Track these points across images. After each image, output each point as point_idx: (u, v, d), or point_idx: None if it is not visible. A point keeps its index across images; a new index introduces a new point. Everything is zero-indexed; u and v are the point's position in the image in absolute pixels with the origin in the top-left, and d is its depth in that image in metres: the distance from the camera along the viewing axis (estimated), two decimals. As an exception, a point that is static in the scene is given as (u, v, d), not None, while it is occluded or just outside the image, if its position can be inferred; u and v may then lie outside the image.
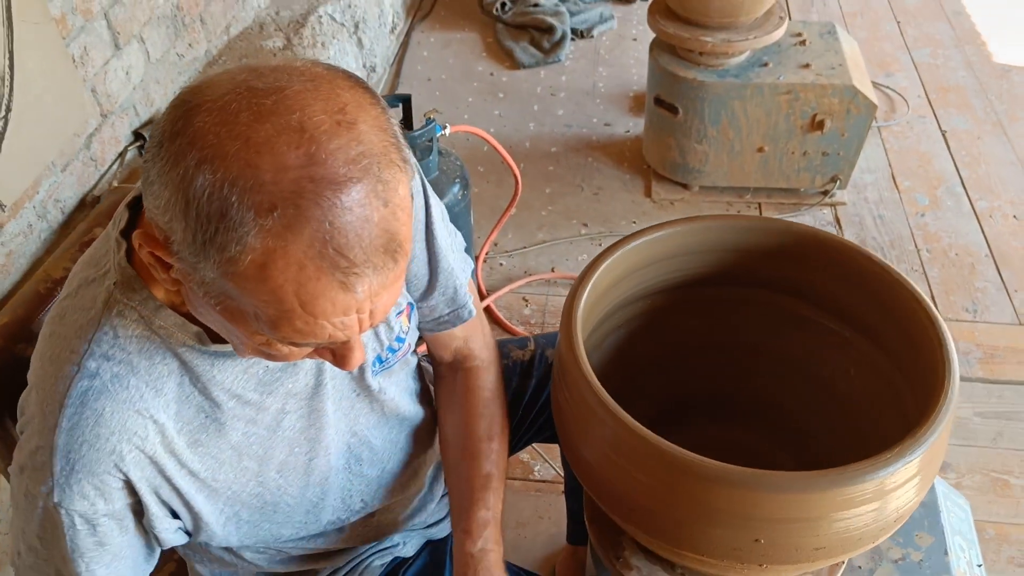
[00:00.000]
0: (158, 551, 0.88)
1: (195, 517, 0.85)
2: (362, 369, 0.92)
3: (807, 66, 2.36)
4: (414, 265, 0.95)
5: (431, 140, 1.92)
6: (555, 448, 1.83)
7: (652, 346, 1.26)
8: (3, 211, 1.50)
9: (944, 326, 0.99)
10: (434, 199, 0.95)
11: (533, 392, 1.25)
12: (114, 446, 0.75)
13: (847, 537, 0.90)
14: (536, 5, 3.46)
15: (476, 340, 1.08)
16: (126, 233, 0.76)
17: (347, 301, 0.64)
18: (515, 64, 3.26)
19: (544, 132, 2.91)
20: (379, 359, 0.95)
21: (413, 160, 0.84)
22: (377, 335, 0.93)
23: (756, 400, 1.28)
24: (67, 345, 0.76)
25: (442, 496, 1.15)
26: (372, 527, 1.06)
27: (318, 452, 0.91)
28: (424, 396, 1.09)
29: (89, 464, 0.74)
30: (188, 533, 0.88)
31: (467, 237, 2.07)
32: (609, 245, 1.11)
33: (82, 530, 0.78)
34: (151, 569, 0.89)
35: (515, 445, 1.28)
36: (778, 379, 1.26)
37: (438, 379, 1.10)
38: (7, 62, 1.51)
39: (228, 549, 0.97)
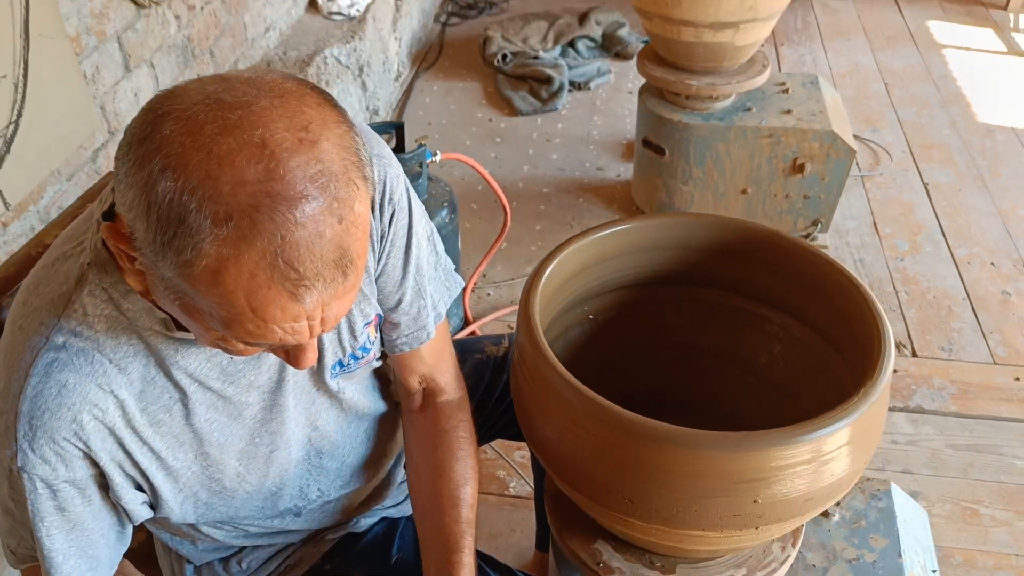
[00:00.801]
0: (129, 529, 0.91)
1: (155, 493, 0.88)
2: (321, 370, 0.94)
3: (789, 112, 2.45)
4: (386, 280, 0.96)
5: (421, 164, 2.00)
6: (529, 463, 1.86)
7: (601, 344, 1.31)
8: (7, 210, 1.58)
9: (878, 305, 1.05)
10: (420, 219, 0.97)
11: (504, 387, 1.29)
12: (75, 415, 0.78)
13: (782, 502, 0.94)
14: (536, 58, 3.59)
15: (445, 373, 1.08)
16: (107, 216, 0.78)
17: (296, 310, 0.66)
18: (514, 111, 3.38)
19: (537, 174, 3.00)
20: (340, 363, 0.96)
21: (384, 175, 0.89)
22: (340, 341, 0.94)
23: (696, 393, 1.33)
24: (37, 317, 0.79)
25: (401, 481, 1.18)
26: (329, 512, 1.10)
27: (279, 444, 0.94)
28: (385, 391, 1.09)
29: (50, 431, 0.77)
30: (152, 507, 0.91)
31: (454, 261, 2.14)
32: (567, 239, 1.18)
33: (43, 494, 0.80)
34: (123, 548, 0.92)
35: (482, 438, 1.32)
36: (717, 372, 1.31)
37: (407, 412, 1.09)
38: (21, 70, 1.61)
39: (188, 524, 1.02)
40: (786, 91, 2.56)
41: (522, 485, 1.91)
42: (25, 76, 1.62)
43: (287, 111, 0.65)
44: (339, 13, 3.04)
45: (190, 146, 0.62)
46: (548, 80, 3.45)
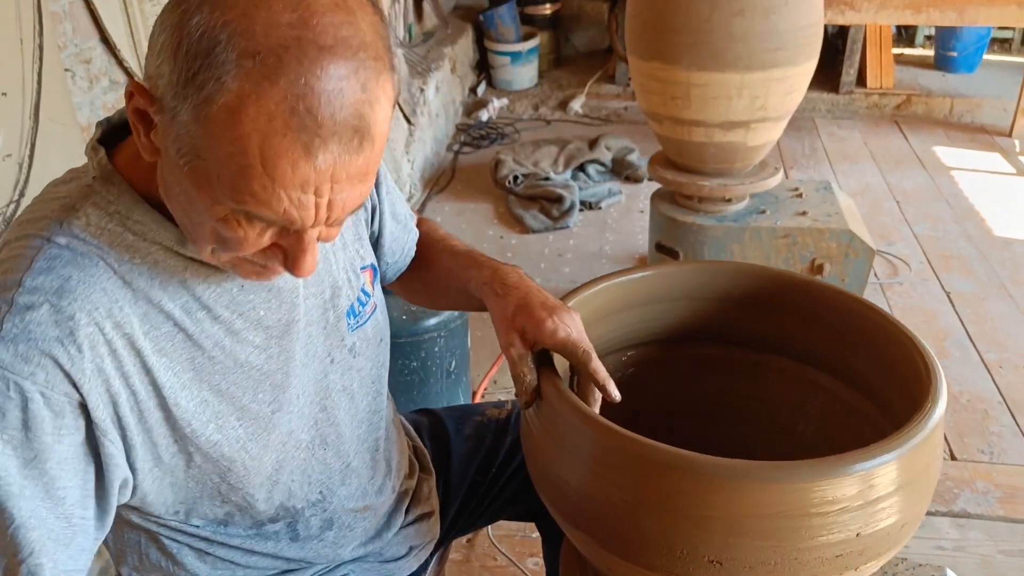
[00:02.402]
0: (107, 520, 0.79)
1: (145, 448, 0.78)
2: (338, 317, 0.92)
3: (804, 213, 2.42)
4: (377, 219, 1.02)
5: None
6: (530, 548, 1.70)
7: (617, 407, 1.21)
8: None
9: (923, 343, 0.96)
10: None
11: (508, 450, 1.20)
12: (74, 312, 0.72)
13: (882, 531, 0.82)
14: (547, 179, 3.63)
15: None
16: (101, 142, 0.78)
17: (307, 171, 0.65)
18: (525, 229, 3.38)
19: (550, 287, 2.96)
20: (352, 311, 0.94)
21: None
22: (349, 281, 0.94)
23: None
24: (37, 225, 0.75)
25: (400, 528, 1.07)
26: (328, 542, 0.99)
27: (282, 405, 0.87)
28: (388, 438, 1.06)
29: (42, 326, 0.70)
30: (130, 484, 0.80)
31: (463, 359, 2.06)
32: (585, 283, 1.11)
33: (14, 398, 0.69)
34: (96, 540, 0.78)
35: (486, 511, 1.21)
36: (748, 435, 1.20)
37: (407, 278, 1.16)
38: (27, 151, 1.60)
39: (167, 554, 0.90)
40: (800, 195, 2.54)
41: (533, 591, 1.75)
42: (31, 157, 1.60)
43: None
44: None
45: None
46: (559, 199, 3.46)
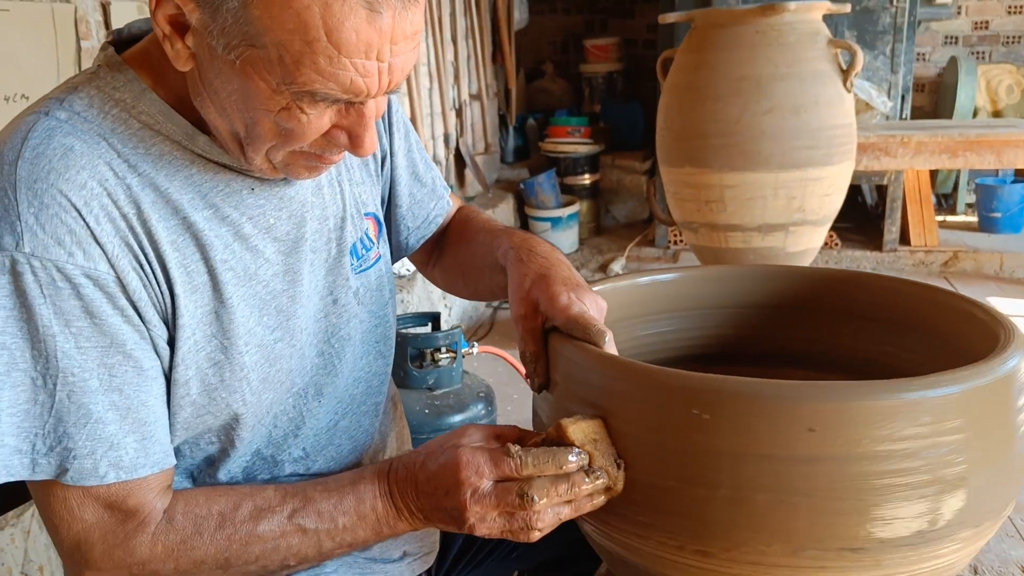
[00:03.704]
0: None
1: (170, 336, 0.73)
2: (341, 252, 0.87)
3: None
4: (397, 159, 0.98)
5: (454, 348, 1.87)
6: None
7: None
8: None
9: (996, 310, 0.84)
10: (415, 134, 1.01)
11: None
12: (84, 180, 0.67)
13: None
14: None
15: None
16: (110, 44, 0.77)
17: (369, 35, 0.63)
18: (563, 372, 3.28)
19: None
20: (355, 251, 0.89)
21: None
22: (353, 218, 0.90)
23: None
24: (39, 103, 0.72)
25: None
26: None
27: (284, 335, 0.81)
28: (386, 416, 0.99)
29: (58, 196, 0.66)
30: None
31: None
32: (598, 279, 1.02)
33: (64, 289, 0.66)
34: (167, 433, 0.74)
35: (496, 554, 1.06)
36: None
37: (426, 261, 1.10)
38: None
39: None
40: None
41: None
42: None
43: None
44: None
45: None
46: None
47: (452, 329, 1.87)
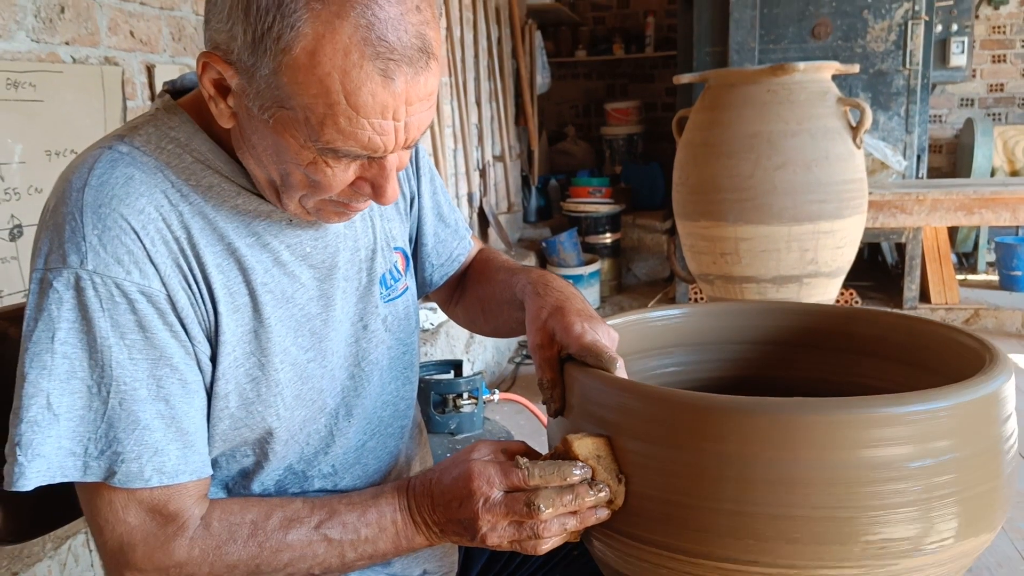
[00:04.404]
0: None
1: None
2: (371, 281, 0.93)
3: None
4: (428, 213, 1.05)
5: (476, 394, 1.92)
6: None
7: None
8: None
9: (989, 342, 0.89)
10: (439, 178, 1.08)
11: None
12: (143, 206, 0.75)
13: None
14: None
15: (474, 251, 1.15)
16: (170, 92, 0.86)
17: (385, 97, 0.70)
18: (584, 426, 3.30)
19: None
20: (384, 281, 0.95)
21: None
22: (383, 251, 0.96)
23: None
24: (102, 141, 0.80)
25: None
26: None
27: (317, 355, 0.87)
28: (412, 441, 1.03)
29: (120, 220, 0.74)
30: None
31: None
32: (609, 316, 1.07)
33: (121, 303, 0.73)
34: (205, 443, 0.80)
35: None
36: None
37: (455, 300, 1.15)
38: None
39: None
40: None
41: None
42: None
43: None
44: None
45: None
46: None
47: (474, 375, 1.91)
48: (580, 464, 0.77)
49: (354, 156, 0.74)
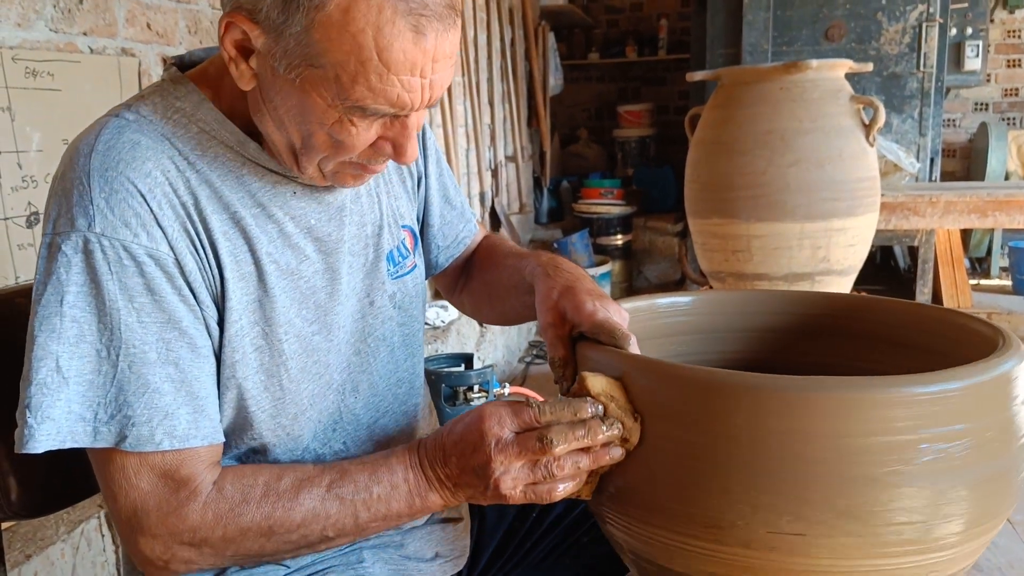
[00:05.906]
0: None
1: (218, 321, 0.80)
2: (378, 257, 0.94)
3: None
4: (434, 193, 1.07)
5: (486, 387, 1.93)
6: None
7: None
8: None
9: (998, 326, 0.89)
10: (443, 158, 1.09)
11: None
12: (149, 170, 0.76)
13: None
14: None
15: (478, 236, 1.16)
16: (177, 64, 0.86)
17: (415, 54, 0.71)
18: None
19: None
20: (392, 258, 0.96)
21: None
22: (390, 226, 0.97)
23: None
24: (111, 110, 0.81)
25: (425, 524, 0.97)
26: None
27: (321, 329, 0.87)
28: (424, 422, 1.04)
29: (128, 181, 0.74)
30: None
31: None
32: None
33: (129, 266, 0.74)
34: (216, 404, 0.81)
35: (525, 563, 1.09)
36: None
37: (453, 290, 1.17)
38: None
39: None
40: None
41: None
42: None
43: None
44: (425, 322, 3.18)
45: None
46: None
47: (485, 368, 1.92)
48: (591, 400, 0.77)
49: (381, 114, 0.75)
